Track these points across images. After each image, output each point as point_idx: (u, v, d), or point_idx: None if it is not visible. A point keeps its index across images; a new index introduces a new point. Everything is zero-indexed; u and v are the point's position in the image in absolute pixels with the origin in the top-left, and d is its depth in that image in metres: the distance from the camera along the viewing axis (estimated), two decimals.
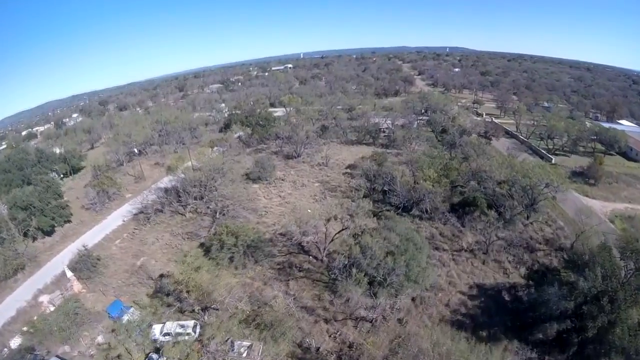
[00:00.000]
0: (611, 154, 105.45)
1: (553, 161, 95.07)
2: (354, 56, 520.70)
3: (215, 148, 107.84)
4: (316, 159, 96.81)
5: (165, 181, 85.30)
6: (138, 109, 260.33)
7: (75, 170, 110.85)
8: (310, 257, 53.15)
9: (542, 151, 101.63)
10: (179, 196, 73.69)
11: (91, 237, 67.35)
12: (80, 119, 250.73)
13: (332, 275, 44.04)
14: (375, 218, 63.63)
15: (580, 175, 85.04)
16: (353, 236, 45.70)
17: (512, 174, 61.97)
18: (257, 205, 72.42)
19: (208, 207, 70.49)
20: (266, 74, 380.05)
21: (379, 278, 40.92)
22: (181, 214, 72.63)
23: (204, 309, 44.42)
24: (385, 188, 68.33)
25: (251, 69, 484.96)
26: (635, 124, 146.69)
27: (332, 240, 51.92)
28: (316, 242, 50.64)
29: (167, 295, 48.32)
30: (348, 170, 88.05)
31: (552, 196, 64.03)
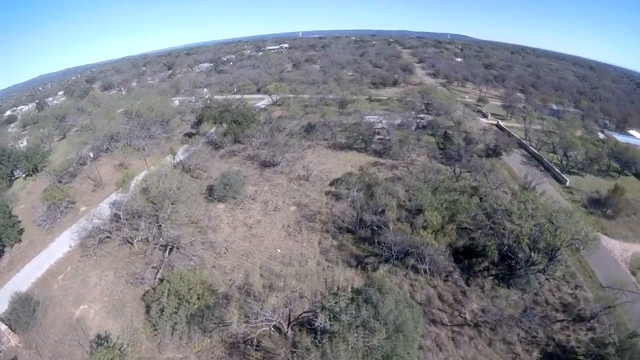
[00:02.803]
0: (626, 174, 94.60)
1: (568, 183, 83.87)
2: (353, 38, 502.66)
3: (185, 146, 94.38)
4: (297, 169, 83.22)
5: (121, 196, 72.67)
6: (122, 89, 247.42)
7: (38, 169, 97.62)
8: (272, 329, 40.84)
9: (556, 169, 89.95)
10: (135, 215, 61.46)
11: (37, 266, 59.57)
12: (62, 98, 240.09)
13: None
14: (359, 267, 52.06)
15: (598, 205, 74.06)
16: (318, 337, 32.97)
17: (531, 218, 49.68)
18: (217, 237, 59.30)
19: (159, 237, 57.77)
20: (260, 53, 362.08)
21: None
22: (130, 243, 60.32)
23: None
24: (375, 227, 55.48)
25: (246, 47, 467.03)
26: None
27: (297, 319, 39.57)
28: (278, 320, 38.20)
29: None
30: (332, 189, 74.26)
31: (576, 248, 52.57)
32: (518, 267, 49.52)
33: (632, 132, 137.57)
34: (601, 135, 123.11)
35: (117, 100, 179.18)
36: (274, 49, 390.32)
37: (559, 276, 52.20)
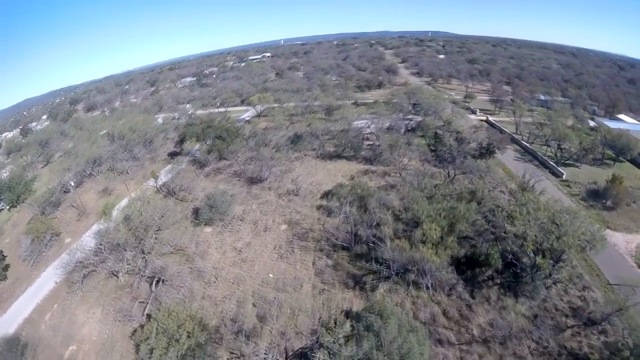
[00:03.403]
0: (621, 161, 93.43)
1: (564, 176, 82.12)
2: (335, 42, 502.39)
3: (169, 166, 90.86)
4: (285, 183, 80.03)
5: (103, 227, 69.38)
6: (105, 109, 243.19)
7: (21, 199, 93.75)
8: None
9: (551, 162, 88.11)
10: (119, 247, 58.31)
11: (24, 305, 57.09)
12: (46, 123, 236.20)
13: None
14: (357, 287, 49.15)
15: (597, 196, 72.28)
16: None
17: (534, 221, 47.16)
18: (205, 265, 56.04)
19: (145, 269, 54.48)
20: (242, 64, 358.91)
21: None
22: (115, 275, 57.07)
23: None
24: (371, 242, 52.49)
25: (228, 58, 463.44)
26: (633, 118, 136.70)
27: (295, 353, 36.60)
28: (275, 358, 35.24)
29: None
30: (323, 203, 71.04)
31: (581, 248, 50.20)
32: (524, 274, 47.02)
33: (621, 116, 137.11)
34: (592, 123, 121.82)
35: (100, 121, 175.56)
36: (256, 59, 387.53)
37: (565, 278, 49.84)
